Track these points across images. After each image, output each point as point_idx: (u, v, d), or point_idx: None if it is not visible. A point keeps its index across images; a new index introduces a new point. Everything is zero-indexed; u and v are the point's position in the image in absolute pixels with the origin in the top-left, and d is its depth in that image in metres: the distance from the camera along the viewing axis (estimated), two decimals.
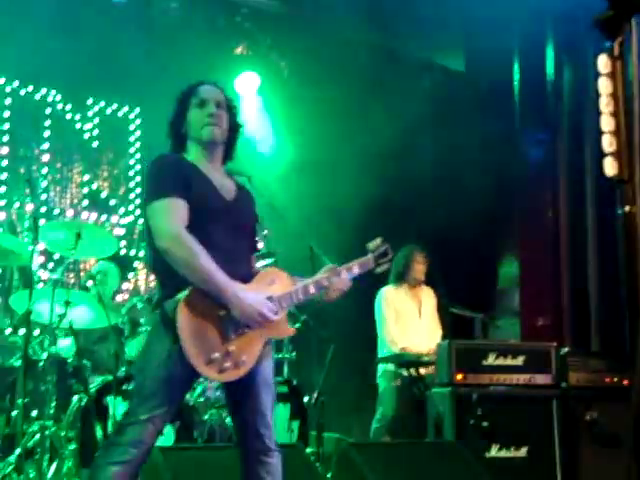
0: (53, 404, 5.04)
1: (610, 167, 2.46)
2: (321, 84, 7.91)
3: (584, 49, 7.12)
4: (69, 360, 5.44)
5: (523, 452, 5.14)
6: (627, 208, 2.42)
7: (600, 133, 2.49)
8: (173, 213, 2.97)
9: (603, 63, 2.49)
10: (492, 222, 7.75)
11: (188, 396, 5.39)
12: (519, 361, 5.34)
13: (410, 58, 8.10)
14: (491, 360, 5.30)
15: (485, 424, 5.04)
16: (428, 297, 6.43)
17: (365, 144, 7.52)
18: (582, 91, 7.34)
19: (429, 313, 6.38)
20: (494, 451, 5.08)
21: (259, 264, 5.67)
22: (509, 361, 5.33)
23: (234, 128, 3.26)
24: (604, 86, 2.49)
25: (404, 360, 5.86)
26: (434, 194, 7.73)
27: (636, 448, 2.41)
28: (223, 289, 2.91)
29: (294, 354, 5.99)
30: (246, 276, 3.11)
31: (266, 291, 3.08)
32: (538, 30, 7.79)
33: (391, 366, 6.08)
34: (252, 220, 3.30)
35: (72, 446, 4.86)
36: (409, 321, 6.27)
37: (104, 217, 8.20)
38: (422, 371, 5.79)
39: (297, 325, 6.02)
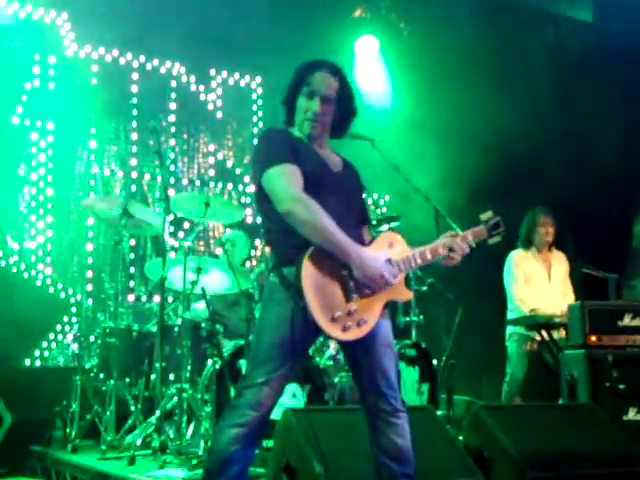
0: (189, 368, 5.23)
1: None
2: (439, 43, 7.76)
3: None
4: (203, 325, 5.62)
5: None
6: None
7: None
8: (291, 177, 3.00)
9: None
10: (627, 178, 7.44)
11: (318, 359, 5.47)
12: None
13: (532, 9, 7.81)
14: (627, 321, 5.13)
15: (621, 386, 4.90)
16: (559, 262, 6.24)
17: (486, 102, 7.34)
18: None
19: (559, 278, 6.19)
20: (632, 414, 4.92)
21: (383, 228, 5.75)
22: None
23: (345, 115, 3.24)
24: None
25: (534, 322, 5.73)
26: (565, 151, 7.48)
27: None
28: (345, 249, 2.93)
29: (422, 317, 5.96)
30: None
31: (386, 254, 3.09)
32: None
33: (521, 328, 5.97)
34: (360, 192, 3.33)
35: (208, 408, 5.02)
36: (538, 286, 6.12)
37: (230, 186, 8.38)
38: (554, 334, 5.66)
39: (424, 288, 6.00)
